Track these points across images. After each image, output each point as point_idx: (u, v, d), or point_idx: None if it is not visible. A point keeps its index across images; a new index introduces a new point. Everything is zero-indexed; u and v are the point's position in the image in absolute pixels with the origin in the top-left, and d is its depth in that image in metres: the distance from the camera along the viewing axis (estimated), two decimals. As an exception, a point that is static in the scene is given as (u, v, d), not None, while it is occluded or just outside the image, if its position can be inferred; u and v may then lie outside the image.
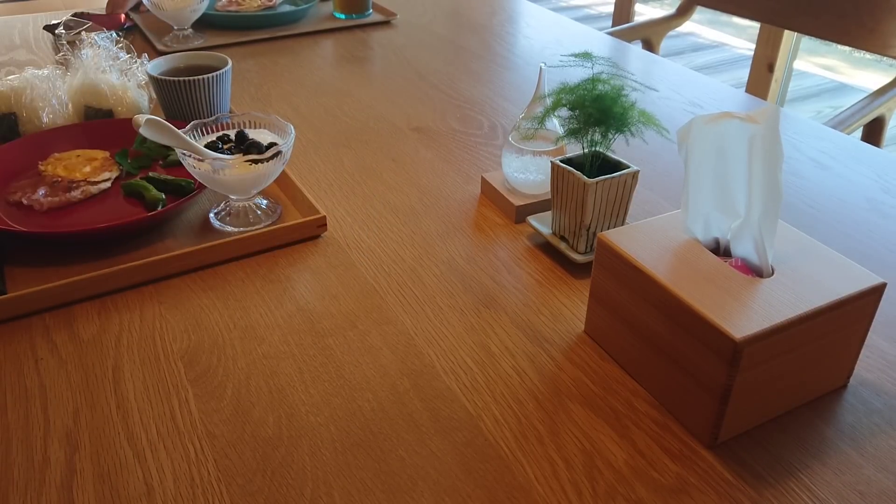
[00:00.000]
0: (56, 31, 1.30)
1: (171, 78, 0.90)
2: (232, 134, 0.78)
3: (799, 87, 3.31)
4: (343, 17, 1.45)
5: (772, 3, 1.50)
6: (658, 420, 0.54)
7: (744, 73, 2.45)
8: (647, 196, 0.83)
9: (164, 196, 0.78)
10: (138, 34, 1.37)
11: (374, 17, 1.47)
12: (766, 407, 0.53)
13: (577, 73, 0.69)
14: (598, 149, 0.70)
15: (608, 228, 0.66)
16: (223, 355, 0.60)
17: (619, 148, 0.72)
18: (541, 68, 0.76)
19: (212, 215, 0.78)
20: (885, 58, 1.28)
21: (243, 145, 0.75)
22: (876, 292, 0.53)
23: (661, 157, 0.92)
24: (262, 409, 0.55)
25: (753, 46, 2.08)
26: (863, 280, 0.53)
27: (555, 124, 0.75)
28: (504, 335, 0.63)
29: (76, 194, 0.78)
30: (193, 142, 0.72)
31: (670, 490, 0.49)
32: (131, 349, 0.61)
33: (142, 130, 0.67)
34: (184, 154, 0.70)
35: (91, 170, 0.82)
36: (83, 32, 1.17)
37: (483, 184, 0.84)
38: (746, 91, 1.80)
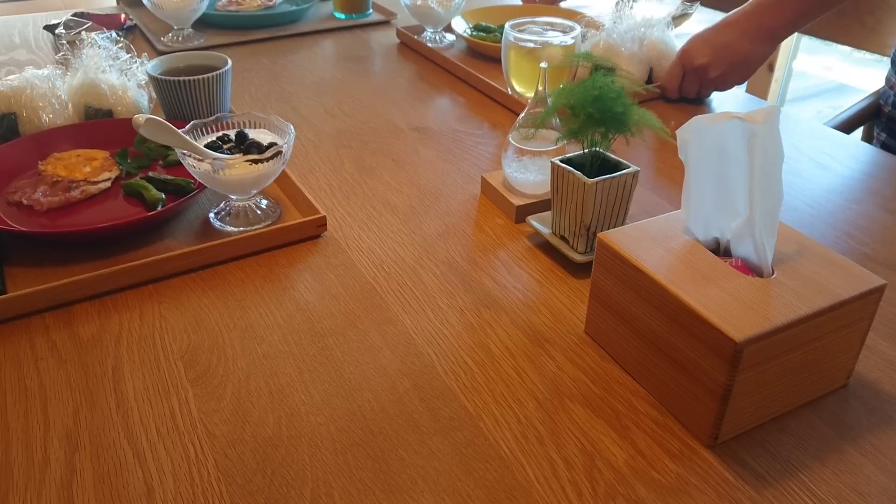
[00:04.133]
0: (56, 31, 1.30)
1: (171, 78, 0.90)
2: (232, 134, 0.78)
3: (799, 87, 3.31)
4: (343, 16, 1.45)
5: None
6: (658, 420, 0.54)
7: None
8: (647, 196, 0.83)
9: (164, 196, 0.78)
10: (138, 34, 1.37)
11: (374, 16, 1.46)
12: (766, 407, 0.53)
13: (577, 73, 0.69)
14: (598, 149, 0.70)
15: (608, 228, 0.66)
16: (223, 355, 0.60)
17: (619, 148, 0.72)
18: (541, 68, 0.76)
19: (212, 215, 0.78)
20: (885, 58, 1.28)
21: (243, 145, 0.75)
22: (876, 293, 0.52)
23: (661, 157, 0.92)
24: (261, 409, 0.55)
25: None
26: (863, 280, 0.53)
27: (555, 124, 0.75)
28: (504, 335, 0.63)
29: (76, 194, 0.78)
30: (193, 142, 0.72)
31: (670, 490, 0.49)
32: (131, 349, 0.61)
33: (142, 130, 0.67)
34: (184, 154, 0.70)
35: (91, 170, 0.82)
36: (83, 32, 1.17)
37: (483, 184, 0.84)
38: (746, 91, 1.80)
